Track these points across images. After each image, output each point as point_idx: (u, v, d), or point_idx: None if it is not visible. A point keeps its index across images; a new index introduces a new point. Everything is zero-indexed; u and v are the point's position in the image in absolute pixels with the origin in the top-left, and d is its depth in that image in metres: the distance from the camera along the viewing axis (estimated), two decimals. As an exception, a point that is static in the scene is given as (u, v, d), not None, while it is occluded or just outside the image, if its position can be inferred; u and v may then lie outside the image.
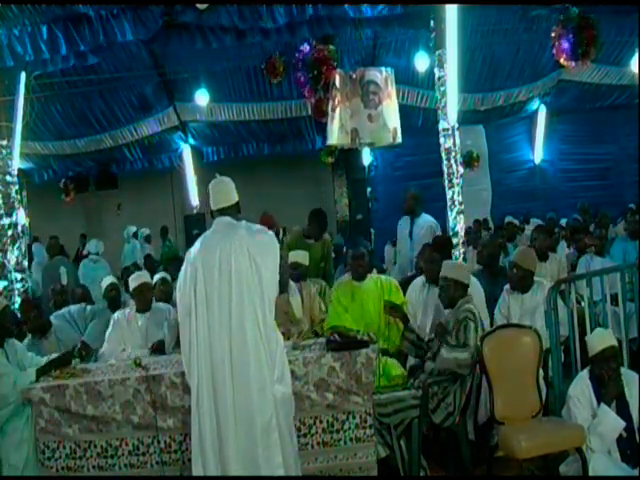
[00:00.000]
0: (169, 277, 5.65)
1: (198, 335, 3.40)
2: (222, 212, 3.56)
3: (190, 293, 3.43)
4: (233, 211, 3.59)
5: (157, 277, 5.48)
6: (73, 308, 5.50)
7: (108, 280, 5.74)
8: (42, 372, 3.94)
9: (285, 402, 3.46)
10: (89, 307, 5.61)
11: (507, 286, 5.00)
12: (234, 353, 3.35)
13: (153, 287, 5.10)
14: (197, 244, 3.55)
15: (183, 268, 3.54)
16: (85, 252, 9.45)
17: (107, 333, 4.79)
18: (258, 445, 3.33)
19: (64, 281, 7.84)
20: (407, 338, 4.53)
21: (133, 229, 12.05)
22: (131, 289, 4.94)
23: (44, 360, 4.13)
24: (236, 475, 3.32)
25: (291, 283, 5.11)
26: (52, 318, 5.30)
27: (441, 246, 5.27)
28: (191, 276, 3.44)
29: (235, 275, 3.38)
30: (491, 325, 4.82)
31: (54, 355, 4.23)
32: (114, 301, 5.55)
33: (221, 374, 3.34)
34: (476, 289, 4.76)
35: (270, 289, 3.45)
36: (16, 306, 6.04)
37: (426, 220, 6.62)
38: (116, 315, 4.92)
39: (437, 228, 6.60)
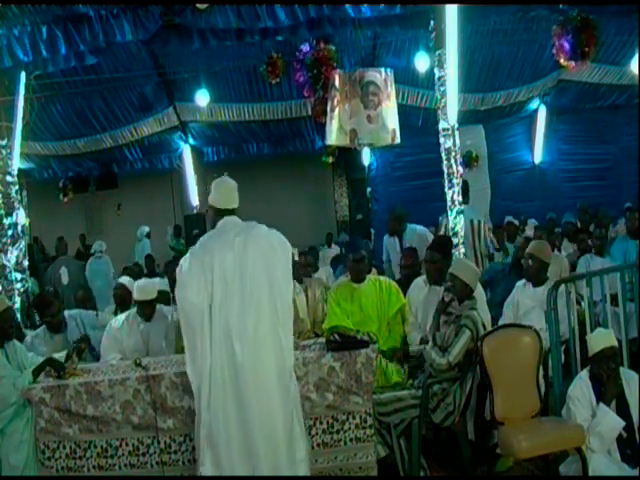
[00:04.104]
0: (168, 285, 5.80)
1: (215, 334, 3.32)
2: (231, 213, 3.55)
3: (204, 294, 3.35)
4: (237, 214, 3.60)
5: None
6: (85, 313, 5.34)
7: (119, 280, 5.81)
8: (37, 372, 3.93)
9: (297, 398, 3.50)
10: (99, 316, 5.49)
11: (519, 283, 5.00)
12: (256, 353, 3.32)
13: (156, 299, 4.95)
14: (207, 243, 3.47)
15: (189, 267, 3.41)
16: (92, 251, 10.22)
17: (102, 345, 4.74)
18: (281, 441, 3.33)
19: (65, 281, 8.05)
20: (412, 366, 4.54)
21: (146, 229, 12.49)
22: (135, 298, 4.86)
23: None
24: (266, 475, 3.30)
25: (296, 283, 5.12)
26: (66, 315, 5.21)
27: (441, 246, 5.27)
28: (205, 277, 3.36)
29: (254, 274, 3.37)
30: (494, 321, 4.83)
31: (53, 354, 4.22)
32: (122, 300, 5.55)
33: (244, 375, 3.30)
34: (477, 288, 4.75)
35: (286, 289, 3.46)
36: (17, 306, 6.05)
37: (414, 230, 6.65)
38: (113, 321, 4.86)
39: (428, 235, 6.61)
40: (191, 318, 3.39)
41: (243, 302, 3.35)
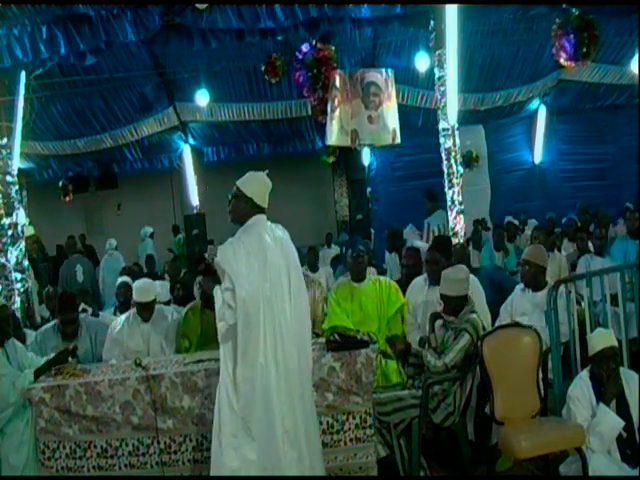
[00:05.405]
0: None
1: (268, 331, 3.31)
2: (263, 211, 3.53)
3: (261, 285, 3.31)
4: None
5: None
6: (100, 327, 5.10)
7: (119, 279, 5.86)
8: (39, 372, 3.93)
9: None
10: (100, 317, 5.58)
11: (518, 287, 4.99)
12: (299, 356, 3.38)
13: (155, 300, 4.90)
14: (254, 237, 3.40)
15: (237, 254, 3.33)
16: (105, 249, 10.49)
17: (104, 349, 4.72)
18: (315, 440, 3.45)
19: (80, 279, 8.25)
20: (412, 364, 4.52)
21: (150, 229, 12.56)
22: (134, 299, 4.81)
23: (43, 361, 4.12)
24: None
25: None
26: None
27: (442, 246, 5.26)
28: (260, 269, 3.32)
29: (292, 271, 3.45)
30: (492, 322, 4.82)
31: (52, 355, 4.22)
32: (125, 298, 5.63)
33: (293, 368, 3.35)
34: (475, 287, 4.75)
35: (305, 296, 3.57)
36: (17, 305, 6.06)
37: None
38: (113, 324, 4.84)
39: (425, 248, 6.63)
40: (249, 312, 3.28)
41: (292, 305, 3.40)
